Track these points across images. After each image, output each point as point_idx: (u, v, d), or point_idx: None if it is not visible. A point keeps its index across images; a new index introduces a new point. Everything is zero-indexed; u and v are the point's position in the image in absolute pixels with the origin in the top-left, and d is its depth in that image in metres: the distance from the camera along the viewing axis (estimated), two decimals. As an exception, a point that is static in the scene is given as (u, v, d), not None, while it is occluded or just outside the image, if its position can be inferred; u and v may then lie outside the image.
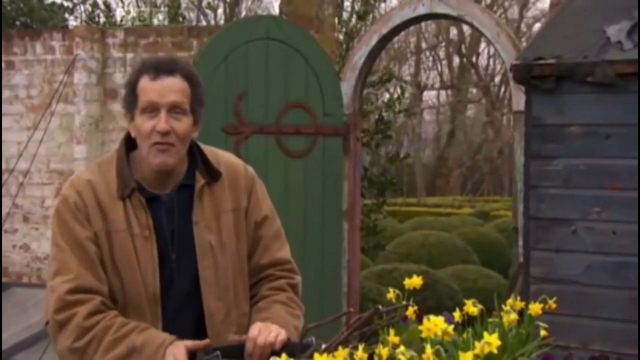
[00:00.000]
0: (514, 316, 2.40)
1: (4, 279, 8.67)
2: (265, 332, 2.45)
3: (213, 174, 2.67)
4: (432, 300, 9.10)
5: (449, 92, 33.53)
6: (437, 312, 2.22)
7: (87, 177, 2.61)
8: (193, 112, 2.59)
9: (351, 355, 1.97)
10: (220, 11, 24.54)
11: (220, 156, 2.75)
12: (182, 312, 2.58)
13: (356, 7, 14.24)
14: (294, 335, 2.55)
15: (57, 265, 2.52)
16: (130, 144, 2.64)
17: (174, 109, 2.53)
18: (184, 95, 2.55)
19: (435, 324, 2.09)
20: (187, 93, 2.56)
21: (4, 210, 8.76)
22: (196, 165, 2.66)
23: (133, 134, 2.60)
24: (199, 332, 2.56)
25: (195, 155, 2.68)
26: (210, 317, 2.58)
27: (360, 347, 1.99)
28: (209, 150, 2.73)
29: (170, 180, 2.61)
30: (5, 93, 8.97)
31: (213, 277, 2.60)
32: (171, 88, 2.53)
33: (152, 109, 2.52)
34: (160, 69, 2.55)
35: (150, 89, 2.53)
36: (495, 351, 2.05)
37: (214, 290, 2.58)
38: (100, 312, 2.46)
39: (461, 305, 2.46)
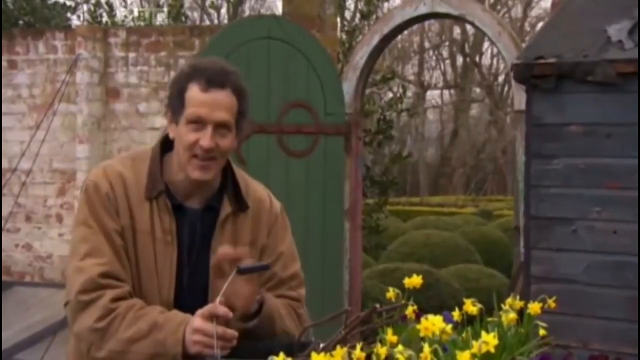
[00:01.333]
0: (513, 315, 2.41)
1: (6, 278, 8.68)
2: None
3: (241, 204, 2.62)
4: (435, 300, 9.10)
5: (453, 91, 33.53)
6: (439, 312, 2.22)
7: (119, 169, 2.55)
8: (237, 128, 2.55)
9: (349, 354, 1.97)
10: (223, 10, 24.54)
11: (251, 186, 2.69)
12: None
13: (359, 7, 14.24)
14: (284, 322, 2.56)
15: (89, 247, 2.46)
16: (166, 145, 2.60)
17: (221, 126, 2.49)
18: (231, 111, 2.50)
19: (433, 323, 2.09)
20: (234, 109, 2.52)
21: (7, 210, 8.77)
22: (226, 189, 2.61)
23: (171, 136, 2.56)
24: None
25: (227, 178, 2.63)
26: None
27: (358, 346, 1.99)
28: (241, 176, 2.67)
29: (197, 193, 2.58)
30: (8, 92, 8.98)
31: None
32: (221, 104, 2.48)
33: (199, 121, 2.48)
34: (212, 81, 2.49)
35: (200, 101, 2.47)
36: (492, 350, 2.05)
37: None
38: (126, 299, 2.43)
39: (463, 305, 2.46)
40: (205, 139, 2.47)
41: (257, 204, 2.67)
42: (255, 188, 2.71)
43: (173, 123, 2.54)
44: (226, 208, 2.59)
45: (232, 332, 2.36)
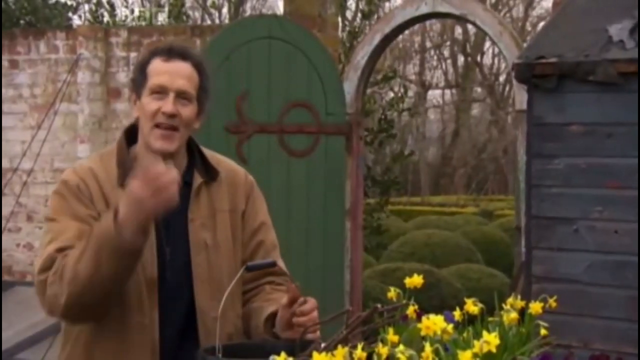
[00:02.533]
0: (514, 315, 2.41)
1: (7, 278, 8.68)
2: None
3: (211, 173, 2.68)
4: (436, 300, 9.10)
5: (454, 91, 33.51)
6: (440, 311, 2.22)
7: (88, 165, 2.62)
8: (199, 102, 2.60)
9: (350, 354, 1.97)
10: (224, 10, 24.53)
11: (222, 160, 2.76)
12: (175, 307, 2.57)
13: (360, 6, 14.24)
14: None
15: (51, 235, 2.49)
16: (130, 137, 2.65)
17: (182, 95, 2.55)
18: (192, 82, 2.58)
19: (434, 323, 2.10)
20: (195, 81, 2.59)
21: (8, 209, 8.78)
22: (195, 164, 2.67)
23: (135, 114, 2.61)
24: (190, 328, 2.56)
25: (194, 154, 2.68)
26: (201, 315, 2.57)
27: (359, 345, 1.99)
28: (209, 152, 2.73)
29: None
30: (9, 92, 8.98)
31: (206, 275, 2.60)
32: (182, 73, 2.56)
33: (161, 91, 2.54)
34: (173, 52, 2.57)
35: (162, 70, 2.55)
36: (494, 350, 2.05)
37: (207, 287, 2.57)
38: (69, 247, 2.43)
39: (464, 305, 2.47)
40: (167, 105, 2.52)
41: (230, 173, 2.74)
42: (226, 161, 2.78)
43: (137, 101, 2.59)
44: (197, 179, 2.64)
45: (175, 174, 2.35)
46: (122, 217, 2.32)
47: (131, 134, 2.66)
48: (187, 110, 2.56)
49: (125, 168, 2.57)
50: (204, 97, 2.62)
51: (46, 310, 2.52)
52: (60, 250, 2.44)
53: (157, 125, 2.54)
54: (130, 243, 2.33)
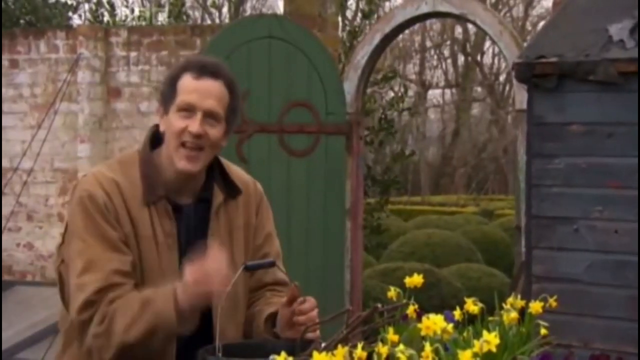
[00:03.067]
0: (514, 315, 2.41)
1: (8, 277, 8.69)
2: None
3: (230, 190, 2.63)
4: (436, 299, 9.10)
5: (454, 90, 33.49)
6: (440, 311, 2.22)
7: (111, 175, 2.51)
8: (227, 122, 2.54)
9: (350, 353, 1.97)
10: (225, 10, 24.52)
11: (234, 171, 2.70)
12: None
13: (361, 6, 14.24)
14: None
15: (85, 262, 2.42)
16: (153, 144, 2.58)
17: (210, 115, 2.48)
18: (222, 102, 2.51)
19: (434, 322, 2.10)
20: (225, 101, 2.52)
21: (8, 209, 8.78)
22: (214, 178, 2.61)
23: (162, 129, 2.54)
24: (207, 343, 2.54)
25: (214, 168, 2.62)
26: (221, 333, 2.53)
27: (359, 345, 1.99)
28: (225, 163, 2.68)
29: (189, 189, 2.57)
30: (9, 92, 8.99)
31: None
32: (212, 92, 2.49)
33: (189, 109, 2.48)
34: (205, 70, 2.50)
35: (192, 88, 2.48)
36: (494, 349, 2.05)
37: (224, 305, 2.55)
38: (122, 296, 2.41)
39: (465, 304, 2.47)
40: (194, 124, 2.46)
41: (244, 187, 2.68)
42: (237, 172, 2.72)
43: (165, 115, 2.53)
44: (218, 197, 2.59)
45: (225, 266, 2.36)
46: (182, 305, 2.34)
47: (153, 140, 2.59)
48: (215, 131, 2.50)
49: (151, 184, 2.51)
50: (233, 117, 2.56)
51: (85, 349, 2.48)
52: (101, 291, 2.40)
53: (183, 144, 2.48)
54: (187, 328, 2.38)
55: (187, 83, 2.49)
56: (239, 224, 2.64)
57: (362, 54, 7.45)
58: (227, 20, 23.08)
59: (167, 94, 2.52)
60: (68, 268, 2.49)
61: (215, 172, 2.62)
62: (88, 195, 2.46)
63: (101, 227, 2.43)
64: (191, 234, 2.54)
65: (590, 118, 4.54)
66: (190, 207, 2.57)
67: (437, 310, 2.25)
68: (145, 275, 2.48)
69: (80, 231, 2.45)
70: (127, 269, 2.44)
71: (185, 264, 2.41)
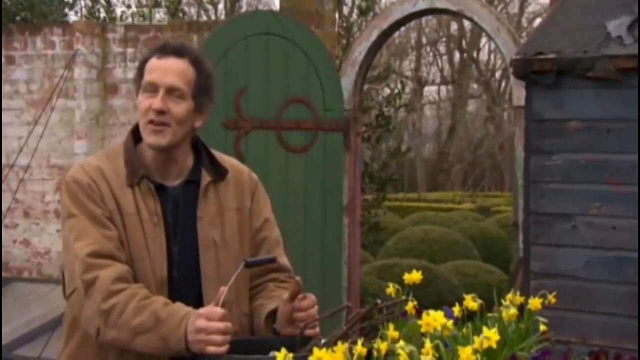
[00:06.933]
0: (513, 311, 2.41)
1: (4, 274, 8.67)
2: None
3: (219, 172, 2.69)
4: (433, 296, 9.10)
5: (450, 87, 33.50)
6: (437, 307, 2.22)
7: (96, 163, 2.62)
8: (195, 99, 2.59)
9: (350, 350, 1.97)
10: (220, 6, 24.49)
11: (226, 159, 2.77)
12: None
13: (357, 2, 14.22)
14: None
15: (76, 233, 2.52)
16: (136, 136, 2.65)
17: (172, 91, 2.55)
18: (185, 78, 2.57)
19: (434, 319, 2.10)
20: (189, 77, 2.58)
21: (5, 205, 8.76)
22: (202, 163, 2.68)
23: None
24: None
25: (201, 152, 2.69)
26: None
27: (359, 341, 1.99)
28: (216, 152, 2.75)
29: (173, 171, 2.63)
30: (6, 88, 8.97)
31: (214, 273, 2.61)
32: (173, 69, 2.56)
33: (152, 89, 2.55)
34: (167, 49, 2.59)
35: (154, 67, 2.56)
36: (494, 346, 2.05)
37: (215, 285, 2.56)
38: (125, 279, 2.47)
39: (462, 301, 2.47)
40: (155, 101, 2.53)
41: (236, 173, 2.75)
42: (230, 160, 2.80)
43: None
44: (205, 178, 2.66)
45: (230, 327, 2.38)
46: (190, 339, 2.36)
47: (137, 133, 2.65)
48: (179, 108, 2.56)
49: (133, 167, 2.59)
50: (201, 94, 2.61)
51: (68, 312, 2.62)
52: (91, 255, 2.46)
53: (151, 122, 2.55)
54: (191, 354, 2.40)
55: (151, 64, 2.58)
56: (231, 206, 2.69)
57: (359, 50, 7.44)
58: (223, 17, 23.06)
59: (137, 79, 2.62)
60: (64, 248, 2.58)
61: (203, 155, 2.69)
62: (73, 180, 2.58)
63: (87, 205, 2.53)
64: (180, 214, 2.60)
65: (589, 114, 4.54)
66: (178, 188, 2.63)
67: (434, 307, 2.26)
68: (132, 251, 2.54)
69: (70, 210, 2.55)
70: (115, 241, 2.51)
71: (176, 246, 2.55)
